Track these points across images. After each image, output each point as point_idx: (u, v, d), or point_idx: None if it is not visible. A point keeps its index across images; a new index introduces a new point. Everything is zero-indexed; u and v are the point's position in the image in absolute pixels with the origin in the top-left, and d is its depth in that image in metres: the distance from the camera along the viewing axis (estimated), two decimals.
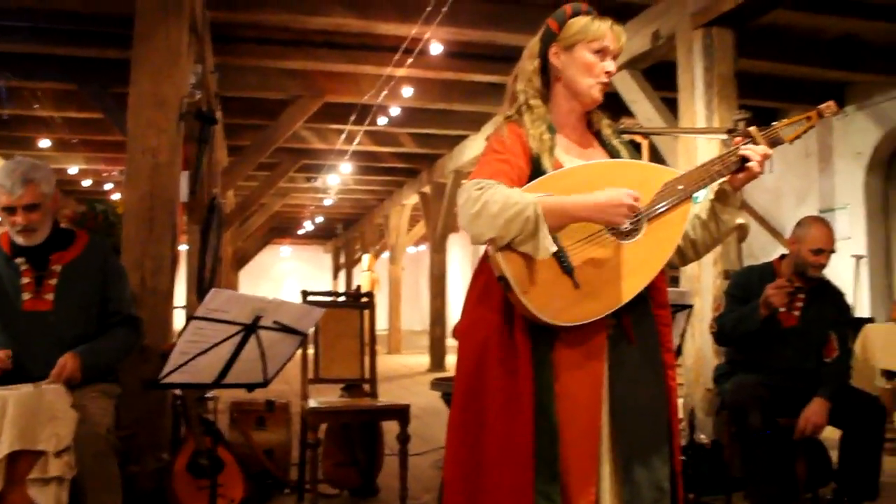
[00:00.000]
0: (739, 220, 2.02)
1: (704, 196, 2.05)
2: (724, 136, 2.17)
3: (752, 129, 1.98)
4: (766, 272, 3.71)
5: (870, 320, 5.97)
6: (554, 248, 1.75)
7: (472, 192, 1.80)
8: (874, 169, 8.12)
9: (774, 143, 1.98)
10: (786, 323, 3.59)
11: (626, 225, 1.84)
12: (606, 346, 1.90)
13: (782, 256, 3.76)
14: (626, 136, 2.17)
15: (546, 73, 2.03)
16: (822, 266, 3.59)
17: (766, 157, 1.94)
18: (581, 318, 1.82)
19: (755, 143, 1.96)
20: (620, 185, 1.85)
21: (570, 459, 1.83)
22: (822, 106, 1.99)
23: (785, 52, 6.70)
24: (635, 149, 2.18)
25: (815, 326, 3.58)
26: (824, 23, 6.25)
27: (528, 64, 2.04)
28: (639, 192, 1.86)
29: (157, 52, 4.02)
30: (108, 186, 12.34)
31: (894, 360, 4.96)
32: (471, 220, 1.78)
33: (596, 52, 1.96)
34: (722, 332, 3.69)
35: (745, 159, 1.93)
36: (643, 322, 1.96)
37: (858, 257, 8.03)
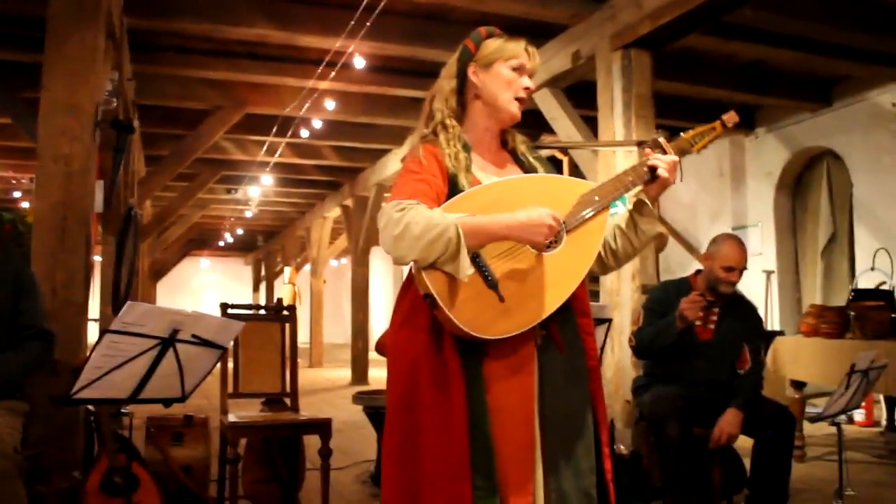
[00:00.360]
0: (659, 230, 2.09)
1: (623, 207, 2.11)
2: (634, 148, 2.26)
3: (661, 139, 2.05)
4: (683, 287, 3.82)
5: (780, 333, 6.20)
6: (470, 272, 1.77)
7: (392, 214, 1.80)
8: (783, 188, 8.47)
9: (682, 152, 2.07)
10: (701, 336, 3.69)
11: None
12: (535, 356, 1.93)
13: (698, 272, 3.87)
14: (544, 152, 2.21)
15: (462, 93, 2.07)
16: (734, 283, 3.70)
17: (673, 164, 2.01)
18: (508, 331, 1.84)
19: (664, 152, 2.03)
20: (537, 199, 1.88)
21: (507, 472, 1.84)
22: (725, 116, 2.10)
23: (699, 75, 6.95)
24: (555, 165, 2.22)
25: (729, 339, 3.69)
26: (736, 49, 6.50)
27: (446, 84, 2.07)
28: (556, 204, 1.90)
29: (72, 57, 3.89)
30: (17, 194, 11.86)
31: (802, 370, 5.16)
32: (393, 243, 1.78)
33: (514, 69, 2.02)
34: (640, 345, 3.78)
35: (655, 168, 2.00)
36: (568, 331, 2.00)
37: (769, 272, 8.34)
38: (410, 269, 1.92)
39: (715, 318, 3.73)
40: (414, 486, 1.88)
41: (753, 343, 3.71)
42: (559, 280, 1.91)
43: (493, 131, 2.08)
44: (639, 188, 2.04)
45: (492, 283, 1.81)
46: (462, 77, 2.05)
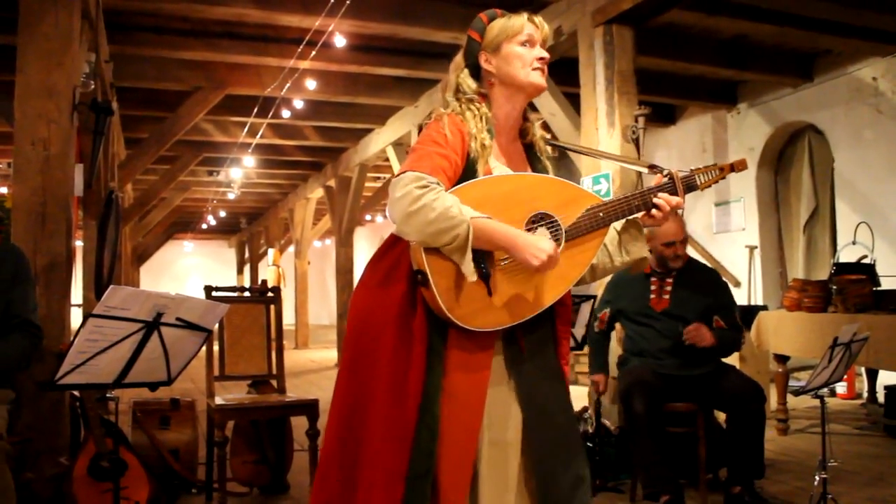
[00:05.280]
0: (645, 254, 2.11)
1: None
2: (644, 170, 2.22)
3: (674, 172, 2.04)
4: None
5: (763, 307, 6.24)
6: (474, 278, 1.77)
7: (412, 190, 1.77)
8: (765, 163, 8.50)
9: (690, 188, 2.05)
10: (657, 307, 3.80)
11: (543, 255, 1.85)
12: (498, 352, 1.94)
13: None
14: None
15: (479, 82, 2.04)
16: (679, 255, 3.81)
17: (675, 208, 2.00)
18: (489, 325, 1.85)
19: (674, 186, 2.01)
20: (547, 202, 1.90)
21: (447, 456, 1.85)
22: (736, 162, 2.11)
23: (682, 50, 6.93)
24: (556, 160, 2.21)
25: (686, 306, 3.77)
26: (718, 24, 6.49)
27: (454, 76, 2.05)
28: (563, 210, 1.92)
29: (46, 38, 3.84)
30: None
31: (786, 344, 5.20)
32: (403, 218, 1.77)
33: (522, 44, 1.99)
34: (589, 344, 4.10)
35: (656, 206, 1.99)
36: (539, 333, 2.00)
37: (752, 248, 8.39)
38: (391, 235, 1.92)
39: (669, 287, 3.81)
40: (355, 448, 1.89)
41: (722, 313, 3.78)
42: (549, 286, 1.91)
43: (515, 115, 2.06)
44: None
45: (484, 275, 1.81)
46: (474, 67, 2.03)
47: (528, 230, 1.88)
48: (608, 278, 4.05)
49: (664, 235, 3.75)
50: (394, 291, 1.91)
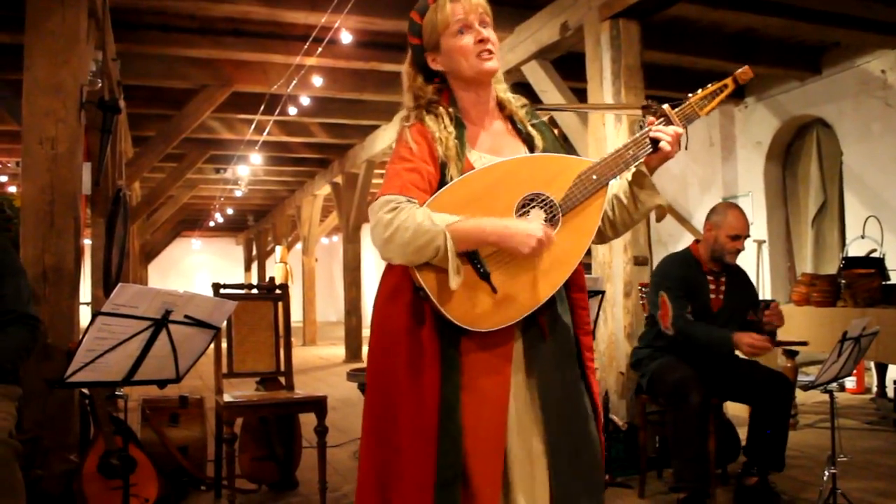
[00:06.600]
0: (659, 201, 1.99)
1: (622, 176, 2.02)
2: (639, 113, 2.14)
3: (666, 106, 1.95)
4: (689, 260, 3.83)
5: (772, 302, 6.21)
6: (457, 285, 1.72)
7: (382, 216, 1.75)
8: (773, 158, 8.47)
9: (689, 119, 1.97)
10: (714, 307, 3.74)
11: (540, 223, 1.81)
12: (517, 339, 1.90)
13: (696, 242, 3.89)
14: (543, 114, 2.13)
15: (439, 79, 1.99)
16: (739, 251, 3.74)
17: (677, 137, 1.92)
18: (501, 323, 1.81)
19: (669, 121, 1.94)
20: (533, 181, 1.84)
21: (475, 456, 1.83)
22: (738, 72, 2.00)
23: (689, 44, 6.90)
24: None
25: (736, 307, 3.75)
26: (725, 17, 6.46)
27: (407, 83, 2.00)
28: (552, 186, 1.86)
29: (53, 36, 3.84)
30: (3, 178, 11.76)
31: (794, 339, 5.18)
32: (382, 245, 1.76)
33: (458, 32, 1.91)
34: (688, 340, 3.66)
35: (657, 140, 1.92)
36: (557, 309, 1.95)
37: (760, 242, 8.36)
38: None
39: (723, 287, 3.77)
40: (387, 464, 1.88)
41: (755, 308, 3.75)
42: (554, 266, 1.85)
43: (482, 97, 1.99)
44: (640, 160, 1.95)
45: (484, 275, 1.77)
46: (426, 70, 1.98)
47: (520, 216, 1.82)
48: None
49: (731, 227, 3.67)
50: (400, 304, 1.89)
